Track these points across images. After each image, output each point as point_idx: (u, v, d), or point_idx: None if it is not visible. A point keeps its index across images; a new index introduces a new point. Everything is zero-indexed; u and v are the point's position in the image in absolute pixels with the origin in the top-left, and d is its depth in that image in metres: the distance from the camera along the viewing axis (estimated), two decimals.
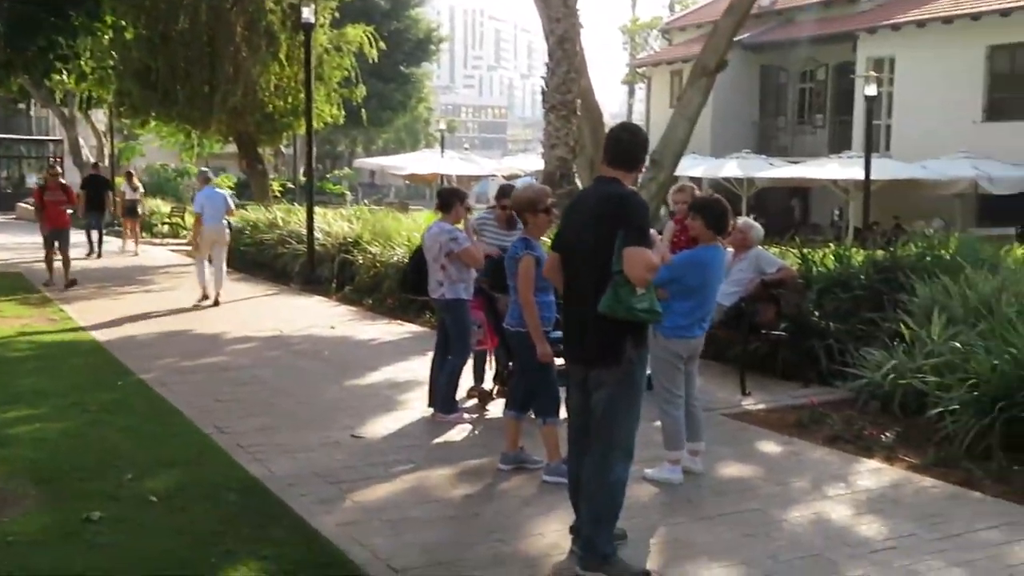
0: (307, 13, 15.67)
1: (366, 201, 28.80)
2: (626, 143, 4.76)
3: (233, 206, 15.10)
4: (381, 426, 7.39)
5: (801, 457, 6.67)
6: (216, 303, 14.08)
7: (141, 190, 24.78)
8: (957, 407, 6.68)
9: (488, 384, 8.20)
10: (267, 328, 11.93)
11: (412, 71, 56.53)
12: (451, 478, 6.12)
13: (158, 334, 11.50)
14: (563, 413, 5.67)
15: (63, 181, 16.32)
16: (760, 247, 9.07)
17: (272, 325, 12.17)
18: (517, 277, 5.95)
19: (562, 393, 5.68)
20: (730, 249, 8.96)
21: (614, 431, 4.62)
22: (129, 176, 23.80)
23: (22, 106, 44.94)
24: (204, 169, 17.27)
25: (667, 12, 51.84)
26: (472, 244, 7.40)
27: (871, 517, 5.45)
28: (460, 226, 7.54)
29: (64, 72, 23.90)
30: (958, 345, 7.31)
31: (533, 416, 6.20)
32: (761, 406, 8.09)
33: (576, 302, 4.69)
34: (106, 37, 21.37)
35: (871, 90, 21.86)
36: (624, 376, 4.56)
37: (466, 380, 8.12)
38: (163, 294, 15.39)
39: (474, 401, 8.10)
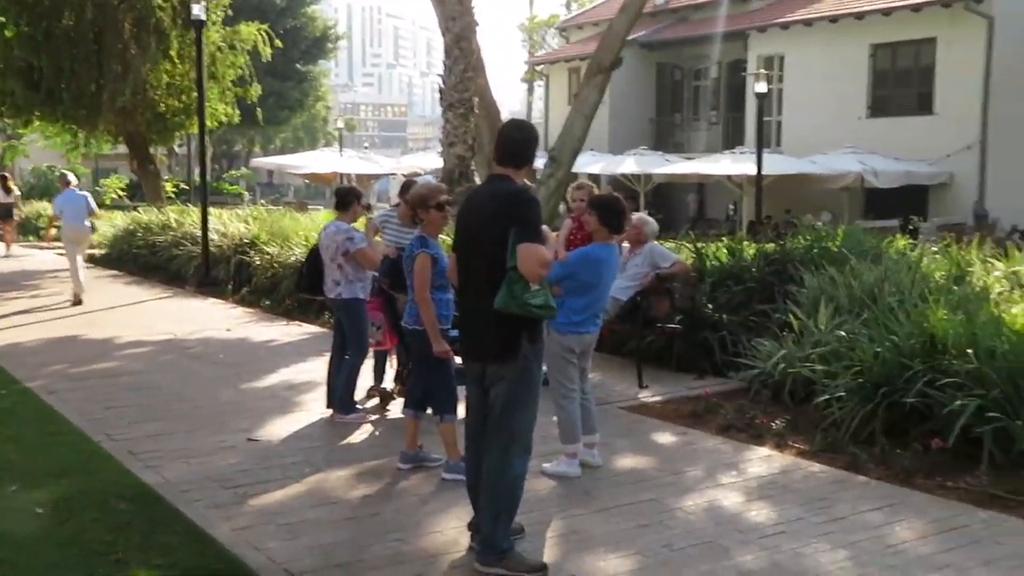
0: (197, 10, 15.34)
1: (263, 201, 28.33)
2: (516, 141, 4.79)
3: (95, 207, 14.92)
4: (279, 429, 7.30)
5: (695, 447, 6.82)
6: (78, 302, 13.97)
7: (17, 192, 23.90)
8: (843, 394, 6.92)
9: (389, 384, 8.17)
10: (161, 332, 11.66)
11: (309, 69, 55.87)
12: (350, 479, 6.08)
13: (46, 340, 11.14)
14: (461, 411, 5.68)
15: None
16: (655, 242, 9.23)
17: (166, 329, 11.89)
18: (414, 275, 5.96)
19: (461, 391, 5.70)
20: (625, 244, 9.13)
21: (513, 426, 4.66)
22: (3, 179, 22.95)
23: None
24: (64, 172, 17.00)
25: (564, 10, 52.32)
26: (368, 245, 7.36)
27: (761, 503, 5.60)
28: (359, 225, 7.49)
29: None
30: (843, 334, 7.56)
31: (431, 414, 6.20)
32: (657, 398, 8.24)
33: (473, 299, 4.72)
34: None
35: (762, 87, 22.44)
36: (521, 371, 4.60)
37: (367, 380, 8.09)
38: (49, 299, 14.90)
39: (375, 401, 8.05)
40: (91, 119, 20.54)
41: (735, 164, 25.04)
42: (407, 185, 7.89)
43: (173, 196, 29.87)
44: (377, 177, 40.20)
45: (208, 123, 22.23)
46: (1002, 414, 5.99)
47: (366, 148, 67.22)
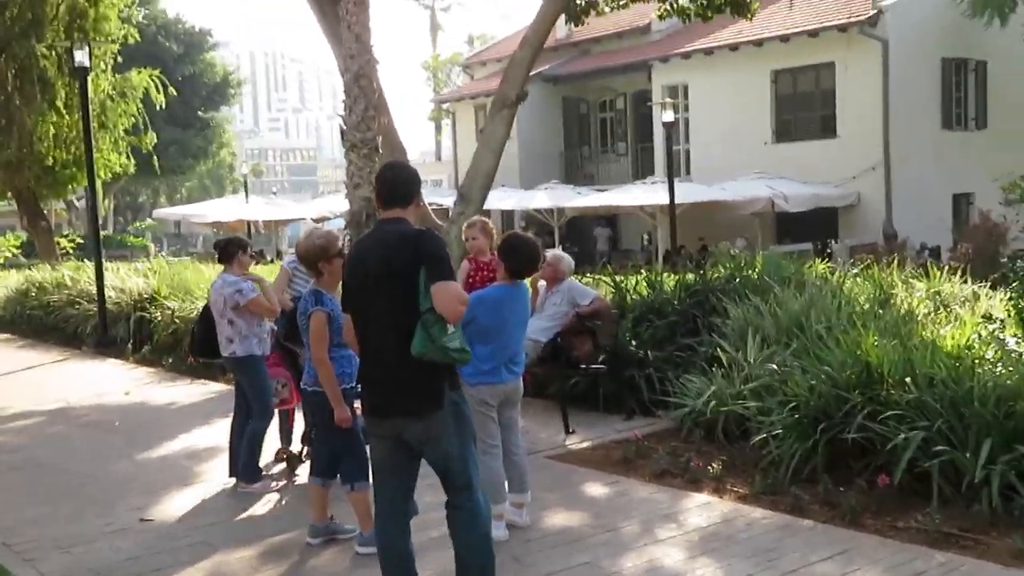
0: (80, 56, 14.59)
1: (163, 253, 27.32)
2: (391, 180, 4.46)
3: None
4: (176, 504, 6.65)
5: (629, 497, 6.38)
6: None
7: None
8: (780, 431, 6.55)
9: (296, 446, 7.56)
10: (52, 400, 10.85)
11: (211, 116, 54.73)
12: (253, 560, 5.49)
13: None
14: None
15: None
16: (572, 279, 8.83)
17: (58, 396, 11.08)
18: (310, 335, 5.45)
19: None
20: (542, 283, 8.71)
21: (471, 473, 4.38)
22: None
23: None
24: None
25: (467, 47, 52.27)
26: (259, 294, 6.80)
27: (705, 560, 5.17)
28: (270, 274, 6.93)
29: None
30: (775, 367, 7.22)
31: (340, 482, 5.65)
32: (585, 444, 7.79)
33: (380, 356, 4.30)
34: None
35: (668, 116, 22.43)
36: (455, 416, 4.30)
37: (274, 441, 7.50)
38: None
39: (282, 465, 7.45)
40: None
41: (646, 194, 25.00)
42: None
43: (70, 252, 28.67)
44: (286, 222, 39.37)
45: (100, 174, 21.37)
46: (948, 446, 5.68)
47: (274, 193, 66.30)
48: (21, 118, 19.03)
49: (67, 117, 19.91)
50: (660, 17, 18.57)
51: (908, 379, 6.19)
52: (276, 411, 7.33)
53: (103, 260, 16.16)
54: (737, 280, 9.70)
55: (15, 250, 28.45)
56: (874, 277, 9.84)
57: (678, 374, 8.36)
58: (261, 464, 7.18)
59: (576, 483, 6.77)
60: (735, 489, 6.37)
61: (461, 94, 37.04)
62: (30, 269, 21.78)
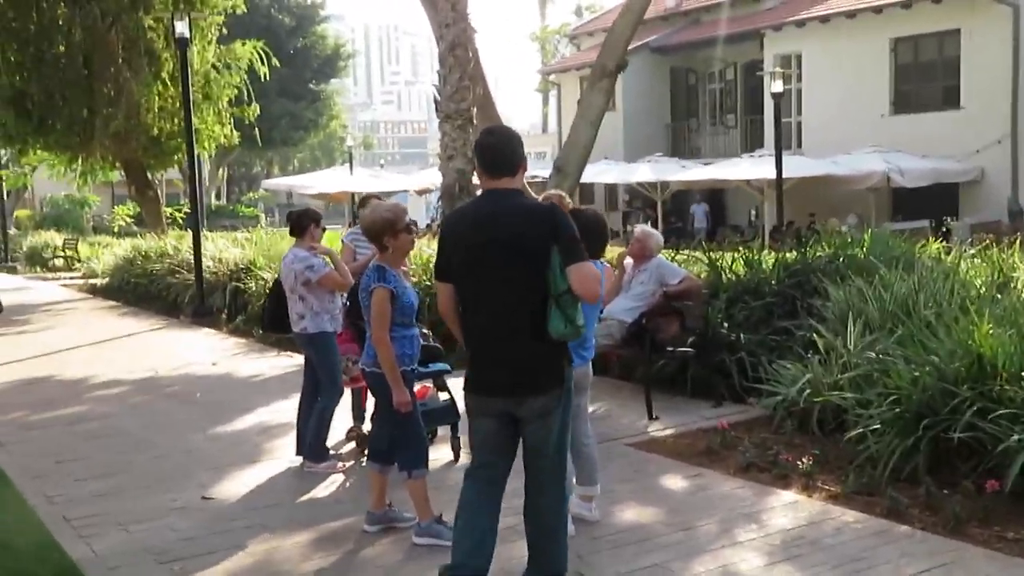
0: (181, 27, 14.66)
1: (272, 223, 27.55)
2: (495, 146, 4.28)
3: None
4: (240, 483, 6.49)
5: (710, 492, 5.94)
6: None
7: None
8: (878, 426, 6.02)
9: (368, 424, 7.33)
10: (142, 369, 10.92)
11: (322, 88, 55.33)
12: (307, 546, 5.26)
13: (14, 382, 10.39)
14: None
15: None
16: (662, 256, 8.38)
17: (148, 365, 11.15)
18: (370, 313, 5.16)
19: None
20: (629, 260, 8.28)
21: (564, 462, 4.35)
22: None
23: None
24: None
25: (575, 18, 51.54)
26: (331, 269, 6.56)
27: (786, 567, 4.73)
28: (335, 244, 6.72)
29: None
30: (876, 355, 6.67)
31: (397, 469, 5.37)
32: (669, 431, 7.37)
33: (499, 333, 4.17)
34: None
35: (777, 87, 21.49)
36: (566, 396, 4.25)
37: (345, 421, 7.30)
38: (36, 335, 14.19)
39: (352, 445, 7.24)
40: (85, 145, 19.90)
41: (754, 168, 24.13)
42: (364, 201, 7.12)
43: (180, 221, 29.27)
44: (390, 194, 39.53)
45: (204, 146, 21.66)
46: None
47: (381, 166, 66.78)
48: (129, 89, 19.33)
49: (172, 89, 20.15)
50: None
51: None
52: (348, 389, 7.13)
53: (203, 230, 16.34)
54: (841, 260, 9.09)
55: (129, 219, 29.28)
56: (993, 258, 9.09)
57: (772, 359, 7.85)
58: (331, 443, 6.99)
59: (654, 474, 6.37)
60: (826, 487, 5.88)
61: (566, 65, 36.47)
62: (140, 238, 22.32)
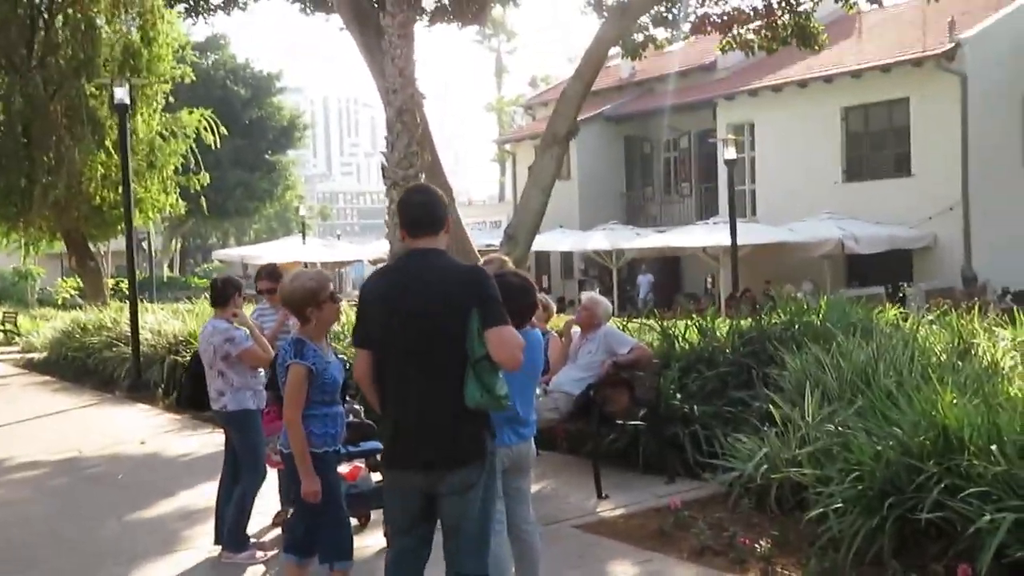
0: (120, 94, 14.26)
1: (205, 295, 26.80)
2: (418, 203, 4.04)
3: None
4: None
5: None
6: None
7: None
8: (840, 504, 5.61)
9: None
10: (66, 448, 10.29)
11: (278, 159, 55.08)
12: None
13: None
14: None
15: None
16: (609, 325, 7.99)
17: (73, 444, 10.52)
18: (284, 391, 4.72)
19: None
20: (576, 328, 7.91)
21: (488, 533, 4.02)
22: None
23: None
24: None
25: (530, 89, 51.92)
26: (252, 344, 6.09)
27: None
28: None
29: None
30: (835, 427, 6.28)
31: (318, 560, 4.86)
32: (619, 511, 6.90)
33: (416, 403, 3.86)
34: None
35: (730, 154, 21.45)
36: (489, 470, 3.97)
37: (272, 504, 6.76)
38: None
39: (278, 531, 6.69)
40: (23, 215, 19.33)
41: (708, 235, 24.00)
42: (268, 271, 6.72)
43: (126, 293, 28.50)
44: (345, 264, 39.14)
45: (149, 214, 21.18)
46: None
47: (337, 236, 66.29)
48: (70, 158, 18.86)
49: (116, 157, 19.67)
50: (723, 51, 17.72)
51: (994, 447, 5.21)
52: (277, 471, 6.61)
53: (145, 302, 15.76)
54: (797, 327, 8.76)
55: (73, 291, 28.51)
56: (952, 324, 8.80)
57: (728, 432, 7.45)
58: (255, 529, 6.46)
59: (602, 559, 5.89)
60: (786, 572, 5.44)
61: (521, 134, 36.51)
62: (81, 310, 21.62)
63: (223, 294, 6.25)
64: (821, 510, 5.70)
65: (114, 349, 16.03)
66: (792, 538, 5.91)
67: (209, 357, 6.12)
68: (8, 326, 26.11)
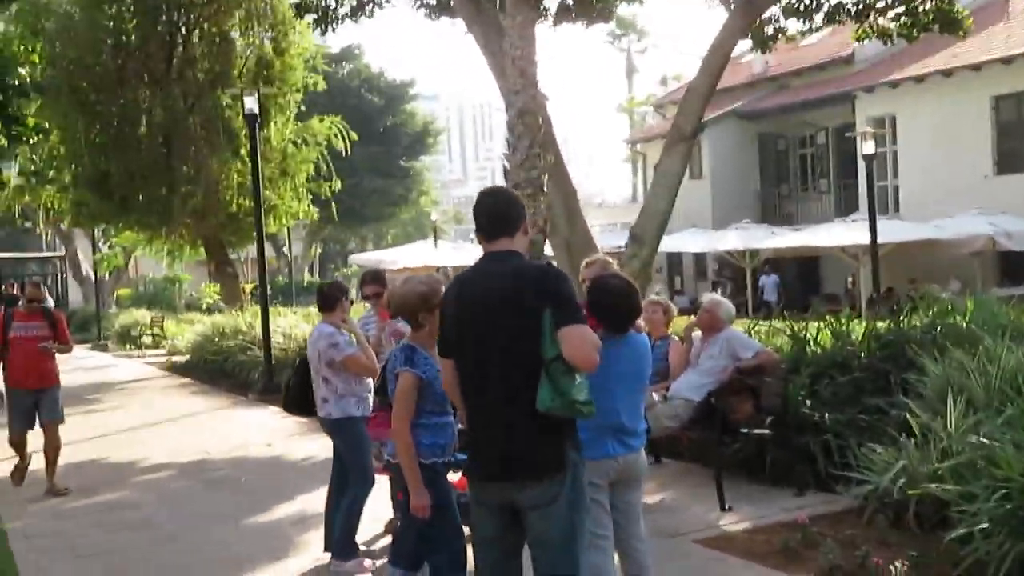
0: (250, 103, 14.57)
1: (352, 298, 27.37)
2: (492, 206, 3.89)
3: None
4: None
5: None
6: None
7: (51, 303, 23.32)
8: (986, 524, 5.11)
9: None
10: (194, 451, 10.49)
11: (412, 165, 55.93)
12: None
13: (63, 466, 9.87)
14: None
15: (48, 305, 10.90)
16: (733, 327, 7.60)
17: (202, 446, 10.73)
18: (394, 400, 4.53)
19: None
20: (697, 332, 7.55)
21: (576, 557, 3.74)
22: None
23: (28, 224, 42.81)
24: None
25: (661, 88, 51.19)
26: (357, 350, 5.97)
27: None
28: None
29: None
30: (980, 439, 5.75)
31: None
32: (744, 525, 6.52)
33: (491, 410, 3.70)
34: (45, 144, 20.48)
35: (869, 148, 20.47)
36: (573, 483, 3.73)
37: (384, 511, 6.65)
38: (101, 415, 13.95)
39: (390, 539, 6.57)
40: (164, 224, 20.02)
41: (847, 233, 23.05)
42: (370, 275, 6.58)
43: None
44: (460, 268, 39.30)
45: (283, 221, 21.65)
46: None
47: (471, 240, 66.87)
48: (207, 167, 19.43)
49: (250, 165, 20.20)
50: (858, 39, 16.87)
51: None
52: (388, 478, 6.49)
53: (279, 306, 16.02)
54: (940, 329, 8.17)
55: (216, 296, 29.45)
56: None
57: (862, 442, 6.94)
58: (367, 536, 6.36)
59: None
60: None
61: (651, 134, 35.97)
62: (218, 312, 22.30)
63: (330, 299, 6.16)
64: (965, 530, 5.21)
65: (248, 353, 16.43)
66: (932, 560, 5.42)
67: (315, 362, 6.05)
68: (155, 330, 27.17)
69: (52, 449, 8.78)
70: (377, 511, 6.59)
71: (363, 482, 6.09)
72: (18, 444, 8.87)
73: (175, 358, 21.38)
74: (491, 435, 3.75)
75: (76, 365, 20.94)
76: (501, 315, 3.69)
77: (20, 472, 8.93)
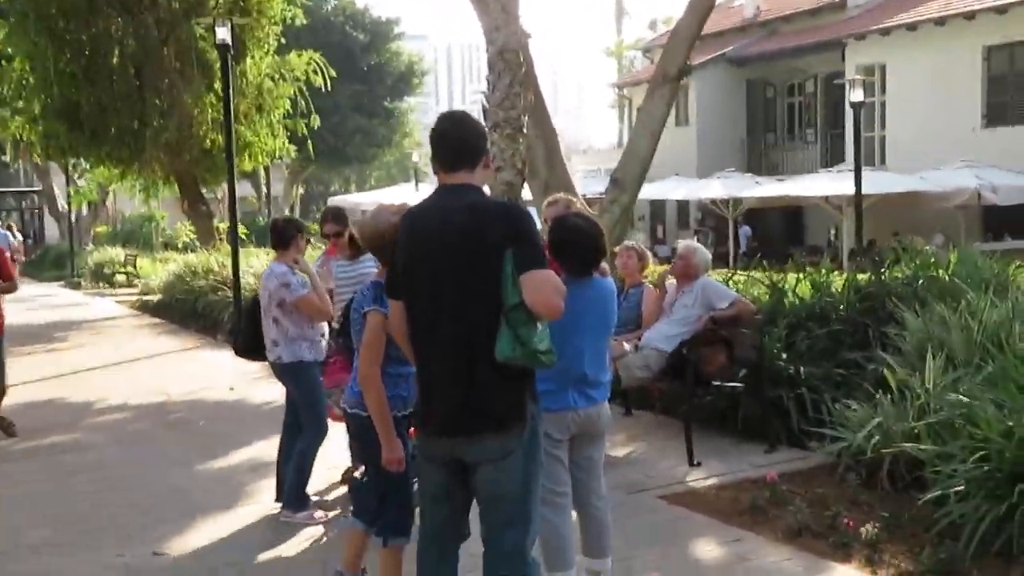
0: (223, 33, 14.00)
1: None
2: (451, 135, 3.51)
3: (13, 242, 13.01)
4: (204, 533, 5.63)
5: (749, 564, 4.87)
6: None
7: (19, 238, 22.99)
8: (962, 486, 4.89)
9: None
10: (154, 392, 10.19)
11: (396, 105, 55.06)
12: None
13: (17, 405, 9.55)
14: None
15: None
16: (708, 276, 7.32)
17: (163, 388, 10.43)
18: (361, 342, 4.17)
19: None
20: (672, 280, 7.28)
21: (531, 511, 3.52)
22: (9, 228, 22.26)
23: (5, 158, 41.99)
24: None
25: (650, 32, 50.42)
26: (310, 291, 5.67)
27: None
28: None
29: None
30: (960, 397, 5.52)
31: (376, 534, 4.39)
32: (711, 481, 6.29)
33: (446, 357, 3.38)
34: (12, 73, 19.85)
35: (857, 95, 20.06)
36: (531, 436, 3.47)
37: (341, 459, 6.39)
38: (64, 353, 13.64)
39: (346, 488, 6.32)
40: (136, 158, 19.46)
41: (832, 183, 22.76)
42: (330, 212, 6.25)
43: (245, 238, 28.81)
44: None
45: (258, 159, 21.13)
46: None
47: None
48: (181, 100, 18.87)
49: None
50: None
51: None
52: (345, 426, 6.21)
53: (249, 246, 15.67)
54: (921, 282, 7.93)
55: (192, 235, 28.96)
56: None
57: (838, 397, 6.73)
58: (322, 486, 6.11)
59: (685, 537, 5.31)
60: (895, 562, 4.77)
61: (638, 78, 35.39)
62: (191, 251, 21.88)
63: (284, 235, 5.82)
64: (940, 492, 5.01)
65: (219, 293, 16.07)
66: (905, 522, 5.21)
67: (265, 303, 5.74)
68: (129, 268, 26.74)
69: None
70: (331, 459, 6.34)
71: (316, 430, 5.82)
72: None
73: (147, 297, 20.96)
74: (446, 384, 3.42)
75: (44, 303, 20.65)
76: (459, 251, 3.37)
77: None
